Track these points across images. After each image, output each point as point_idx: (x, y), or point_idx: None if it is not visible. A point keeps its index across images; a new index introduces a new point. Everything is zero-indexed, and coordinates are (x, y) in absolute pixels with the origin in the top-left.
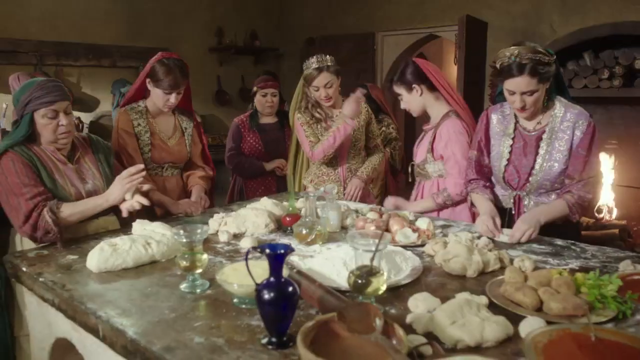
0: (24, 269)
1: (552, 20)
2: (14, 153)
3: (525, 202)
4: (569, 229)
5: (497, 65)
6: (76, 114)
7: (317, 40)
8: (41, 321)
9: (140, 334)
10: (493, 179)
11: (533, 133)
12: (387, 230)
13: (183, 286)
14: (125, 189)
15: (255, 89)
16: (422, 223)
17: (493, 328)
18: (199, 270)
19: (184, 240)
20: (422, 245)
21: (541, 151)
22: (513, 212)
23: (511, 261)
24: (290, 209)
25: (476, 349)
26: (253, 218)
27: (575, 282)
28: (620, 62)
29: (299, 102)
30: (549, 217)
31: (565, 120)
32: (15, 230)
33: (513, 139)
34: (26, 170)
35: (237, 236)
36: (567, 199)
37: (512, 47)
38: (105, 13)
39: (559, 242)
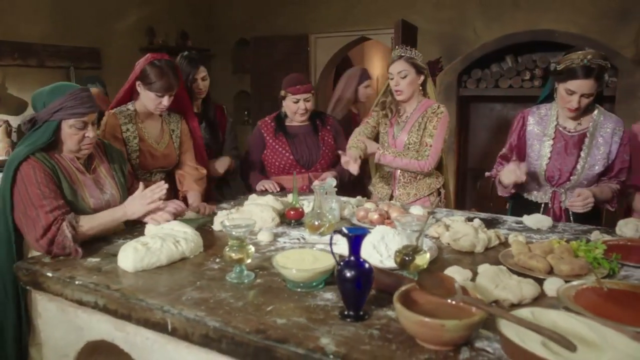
0: (49, 274)
1: (476, 27)
2: (36, 160)
3: (562, 199)
4: None
5: (561, 67)
6: (3, 117)
7: (251, 41)
8: (64, 328)
9: (221, 322)
10: (529, 177)
11: (574, 133)
12: (388, 217)
13: (231, 277)
14: (146, 209)
15: (283, 92)
16: (416, 210)
17: (529, 288)
18: (248, 261)
19: (234, 233)
20: None
21: (583, 153)
22: (549, 206)
23: (505, 238)
24: (294, 202)
25: (517, 306)
26: (259, 213)
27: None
28: (538, 65)
29: (381, 93)
30: (598, 199)
31: (605, 126)
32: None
33: (553, 139)
34: (47, 180)
35: None
36: (613, 188)
37: (583, 51)
38: (31, 9)
39: None
